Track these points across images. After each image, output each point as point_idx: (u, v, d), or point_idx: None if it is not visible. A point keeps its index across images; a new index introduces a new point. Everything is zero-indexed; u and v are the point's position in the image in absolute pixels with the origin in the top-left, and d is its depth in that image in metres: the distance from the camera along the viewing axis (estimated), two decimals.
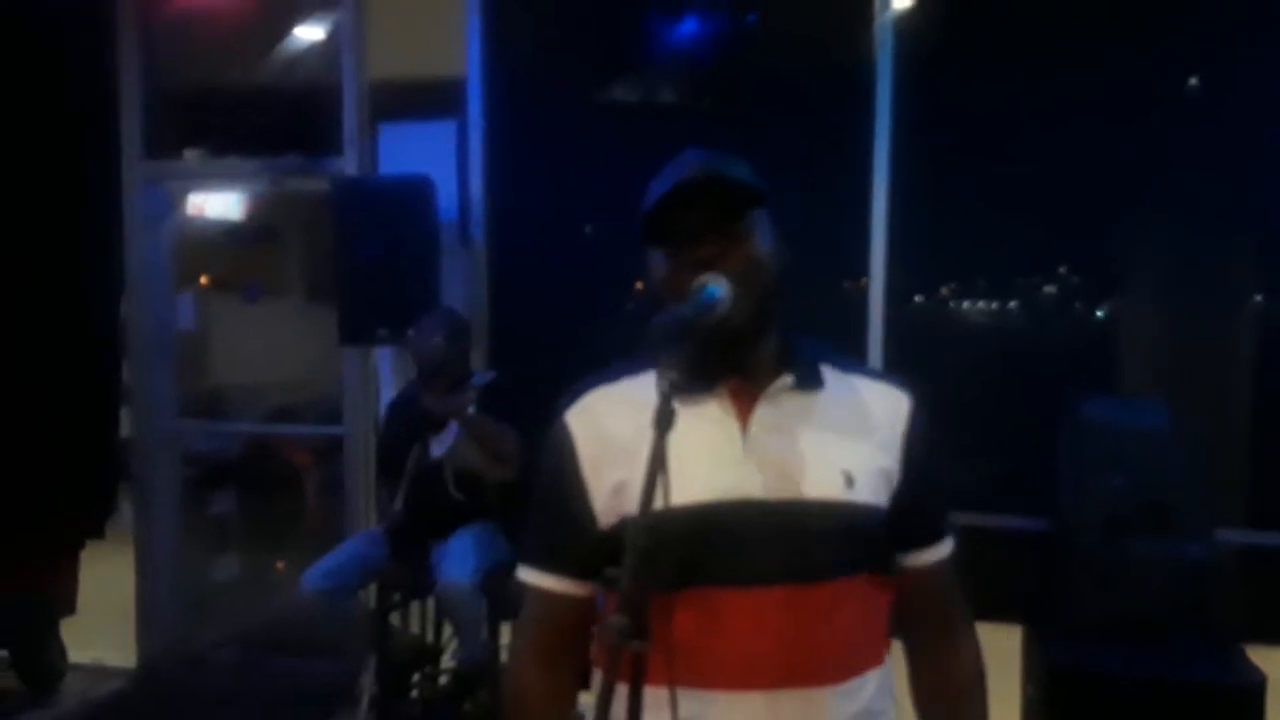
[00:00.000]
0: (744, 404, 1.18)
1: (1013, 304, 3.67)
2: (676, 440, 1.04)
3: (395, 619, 3.34)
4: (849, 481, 1.16)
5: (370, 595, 3.25)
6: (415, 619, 3.43)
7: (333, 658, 3.57)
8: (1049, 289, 3.64)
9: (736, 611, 1.12)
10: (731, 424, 1.18)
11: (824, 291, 3.58)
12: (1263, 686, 2.55)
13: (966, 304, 3.71)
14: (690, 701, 1.11)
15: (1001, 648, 3.19)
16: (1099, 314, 3.64)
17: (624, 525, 1.13)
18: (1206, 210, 3.28)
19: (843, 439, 1.19)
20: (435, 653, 3.36)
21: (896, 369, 3.34)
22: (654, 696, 1.08)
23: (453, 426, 3.07)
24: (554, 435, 1.23)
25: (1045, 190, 3.36)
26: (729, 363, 1.18)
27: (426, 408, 3.10)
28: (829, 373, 1.23)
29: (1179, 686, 2.59)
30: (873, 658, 1.21)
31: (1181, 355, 3.42)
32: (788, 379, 1.19)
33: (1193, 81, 3.38)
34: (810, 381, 1.21)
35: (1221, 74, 3.28)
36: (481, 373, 3.30)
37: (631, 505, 1.12)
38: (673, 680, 1.11)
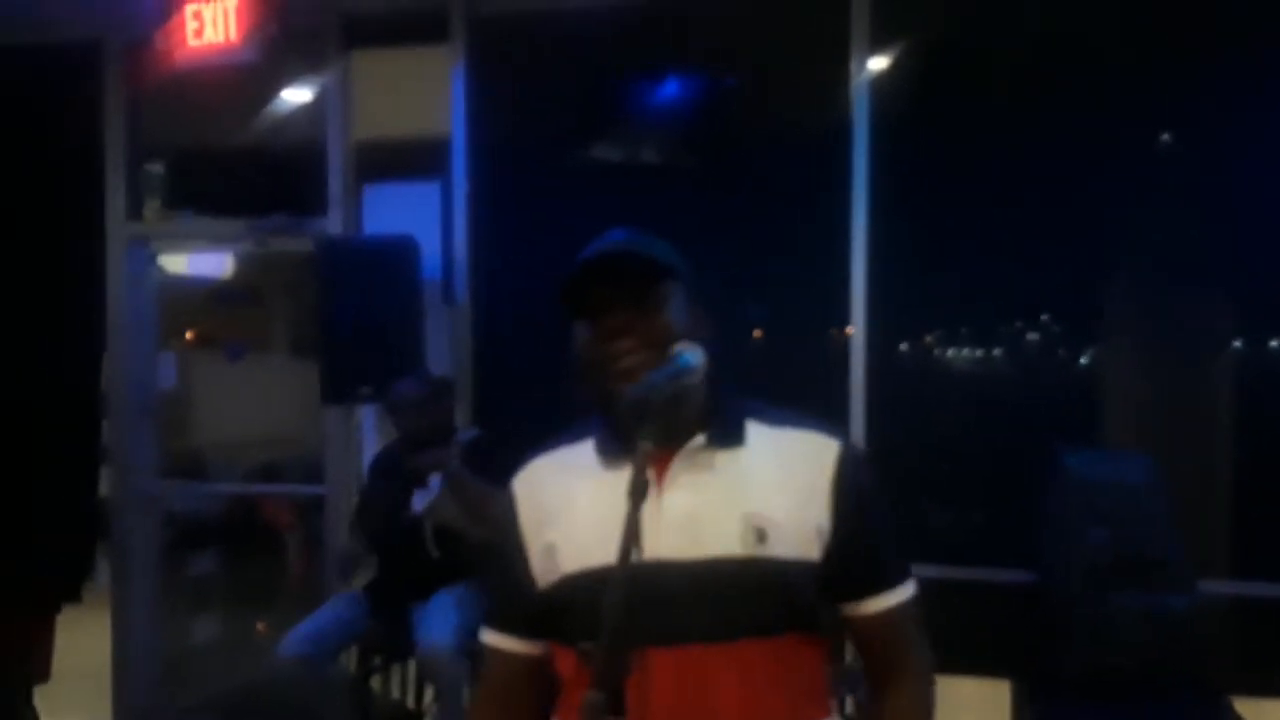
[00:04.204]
0: (660, 466, 1.20)
1: (997, 351, 3.70)
2: (595, 504, 1.16)
3: (376, 683, 3.29)
4: (761, 537, 1.17)
5: (351, 659, 3.20)
6: (396, 682, 3.38)
7: None
8: (1032, 336, 3.67)
9: (657, 669, 1.15)
10: (648, 487, 1.20)
11: (809, 341, 3.61)
12: None
13: (951, 351, 3.73)
14: None
15: (989, 701, 3.18)
16: (1082, 361, 3.67)
17: (560, 586, 1.21)
18: (1184, 258, 3.33)
19: (759, 494, 1.20)
20: (416, 717, 3.30)
21: (879, 418, 3.39)
22: None
23: (434, 483, 3.06)
24: (501, 502, 1.31)
25: (1025, 238, 3.40)
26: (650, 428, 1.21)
27: (410, 465, 3.09)
28: (756, 428, 1.25)
29: None
30: (809, 713, 1.23)
31: (1162, 402, 3.45)
32: (700, 438, 1.21)
33: (1165, 136, 3.46)
34: (726, 439, 1.22)
35: (1198, 126, 3.35)
36: (464, 431, 3.30)
37: (564, 567, 1.21)
38: None
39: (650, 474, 1.17)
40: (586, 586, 1.14)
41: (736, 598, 1.16)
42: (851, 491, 1.22)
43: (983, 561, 3.25)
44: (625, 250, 1.22)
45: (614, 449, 1.20)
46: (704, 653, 1.15)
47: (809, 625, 1.21)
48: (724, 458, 1.21)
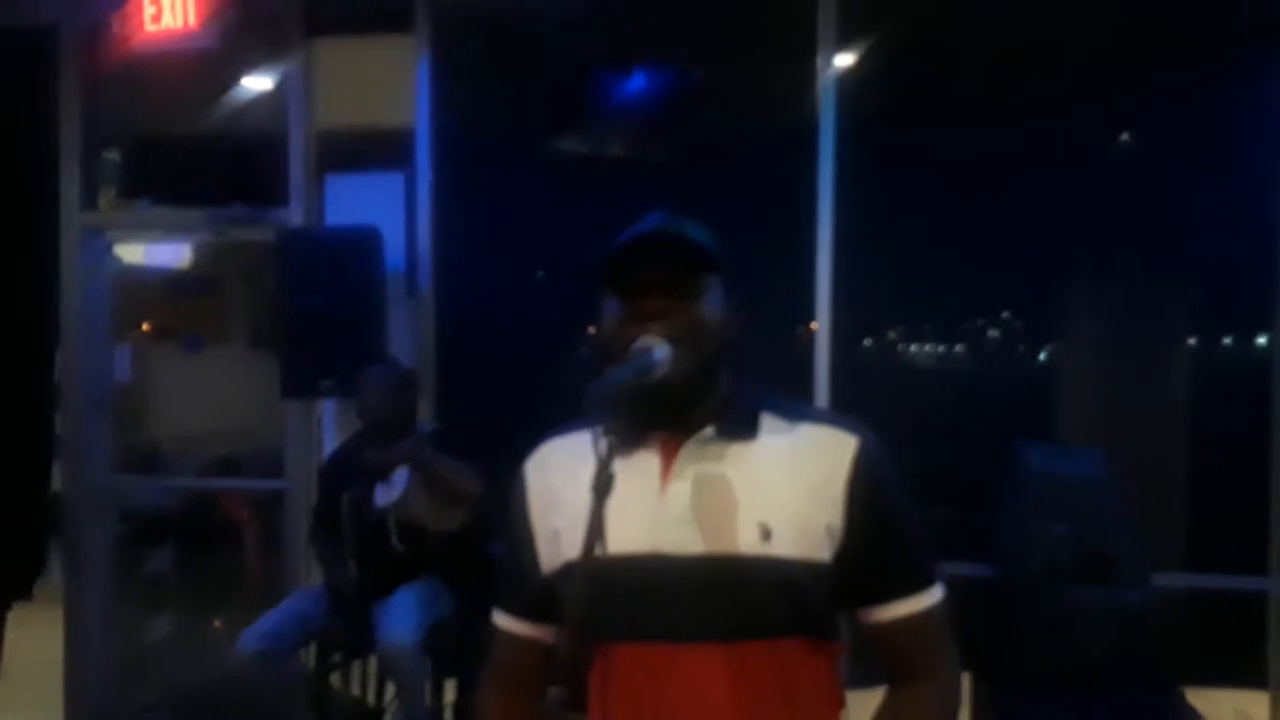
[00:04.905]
0: (669, 456, 1.18)
1: (959, 347, 3.74)
2: None
3: (336, 679, 3.25)
4: (765, 534, 1.12)
5: (310, 655, 3.16)
6: (356, 679, 3.34)
7: None
8: (993, 333, 3.72)
9: (655, 665, 1.13)
10: (653, 476, 1.18)
11: (773, 335, 3.63)
12: None
13: (914, 347, 3.77)
14: None
15: None
16: (1041, 357, 3.73)
17: (561, 573, 1.19)
18: (1141, 257, 3.39)
19: (767, 489, 1.15)
20: (376, 714, 3.26)
21: (843, 411, 3.39)
22: None
23: (398, 477, 3.03)
24: (514, 484, 1.29)
25: (987, 236, 3.44)
26: (662, 417, 1.18)
27: (370, 460, 3.06)
28: (771, 421, 1.21)
29: None
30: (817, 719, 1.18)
31: (1119, 398, 3.50)
32: (709, 429, 1.18)
33: (1124, 136, 3.52)
34: (736, 431, 1.18)
35: (1156, 128, 3.41)
36: (422, 425, 3.27)
37: (566, 553, 1.18)
38: None
39: (656, 464, 1.17)
40: None
41: (736, 596, 1.12)
42: (868, 491, 1.17)
43: (943, 556, 3.27)
44: (671, 234, 1.18)
45: (623, 436, 1.12)
46: (697, 651, 1.12)
47: (816, 629, 1.16)
48: (734, 450, 1.18)
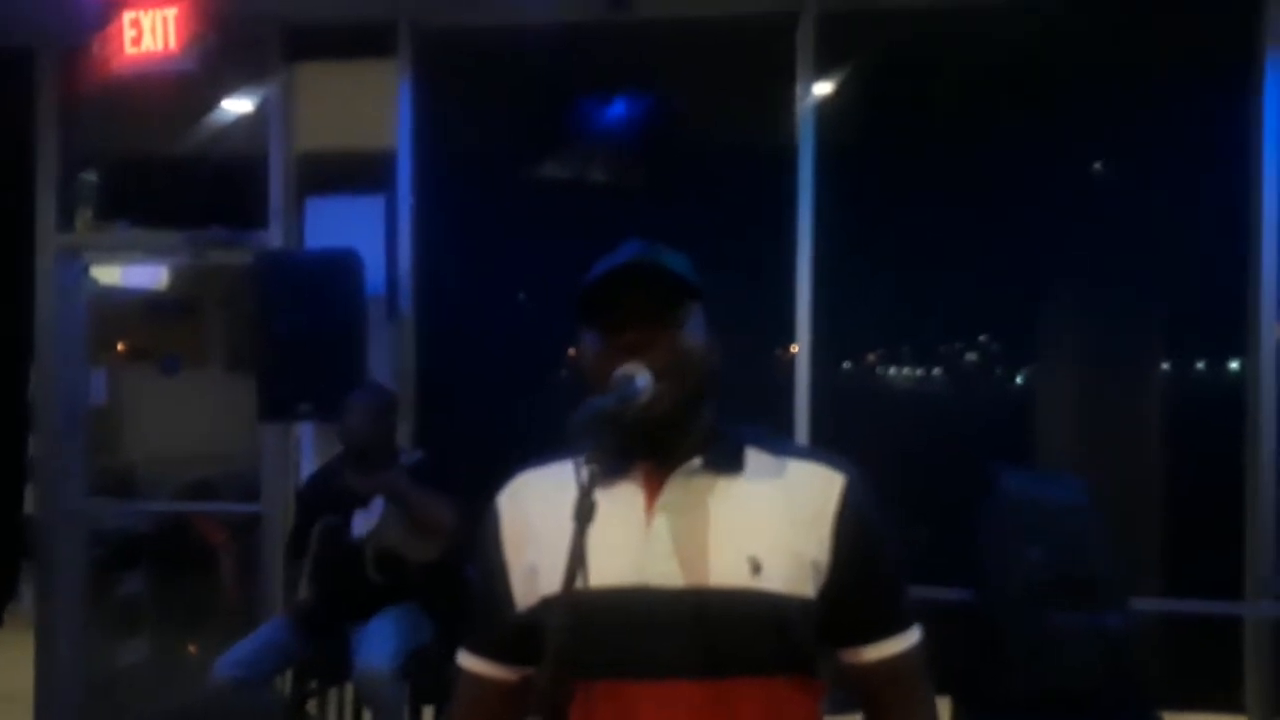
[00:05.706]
0: (653, 488, 1.16)
1: (936, 370, 3.76)
2: None
3: (312, 707, 3.21)
4: (755, 568, 1.11)
5: (286, 682, 3.12)
6: (333, 706, 3.30)
7: None
8: (970, 356, 3.74)
9: (638, 704, 1.10)
10: (638, 508, 1.15)
11: (753, 358, 3.64)
12: None
13: (893, 370, 3.79)
14: None
15: None
16: (1018, 380, 3.75)
17: (539, 609, 1.15)
18: (1116, 282, 3.43)
19: (755, 523, 1.14)
20: None
21: (823, 435, 3.43)
22: None
23: (376, 505, 3.01)
24: (486, 517, 1.24)
25: (964, 260, 3.48)
26: (646, 448, 1.16)
27: (351, 485, 3.04)
28: (757, 456, 1.19)
29: None
30: None
31: (1095, 421, 3.53)
32: (696, 461, 1.16)
33: (1097, 165, 3.57)
34: (723, 464, 1.17)
35: (1131, 155, 3.46)
36: (409, 452, 3.26)
37: (543, 588, 1.15)
38: None
39: (640, 496, 1.15)
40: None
41: (725, 631, 1.10)
42: (854, 529, 1.16)
43: (922, 580, 3.28)
44: (648, 264, 1.16)
45: (606, 467, 1.08)
46: (683, 688, 1.09)
47: (803, 666, 1.14)
48: (721, 484, 1.16)
